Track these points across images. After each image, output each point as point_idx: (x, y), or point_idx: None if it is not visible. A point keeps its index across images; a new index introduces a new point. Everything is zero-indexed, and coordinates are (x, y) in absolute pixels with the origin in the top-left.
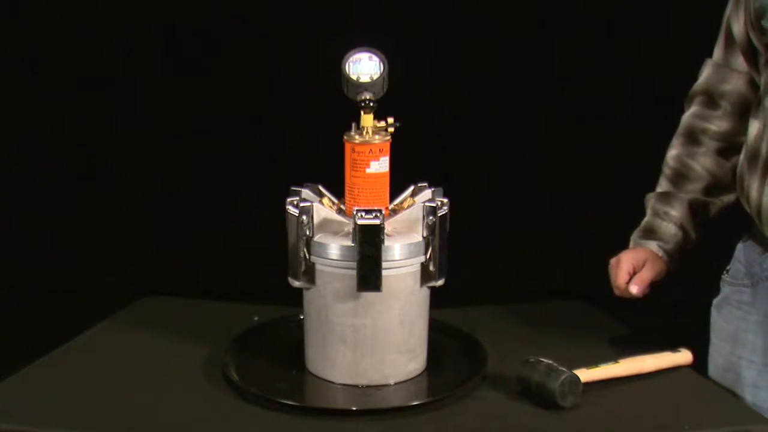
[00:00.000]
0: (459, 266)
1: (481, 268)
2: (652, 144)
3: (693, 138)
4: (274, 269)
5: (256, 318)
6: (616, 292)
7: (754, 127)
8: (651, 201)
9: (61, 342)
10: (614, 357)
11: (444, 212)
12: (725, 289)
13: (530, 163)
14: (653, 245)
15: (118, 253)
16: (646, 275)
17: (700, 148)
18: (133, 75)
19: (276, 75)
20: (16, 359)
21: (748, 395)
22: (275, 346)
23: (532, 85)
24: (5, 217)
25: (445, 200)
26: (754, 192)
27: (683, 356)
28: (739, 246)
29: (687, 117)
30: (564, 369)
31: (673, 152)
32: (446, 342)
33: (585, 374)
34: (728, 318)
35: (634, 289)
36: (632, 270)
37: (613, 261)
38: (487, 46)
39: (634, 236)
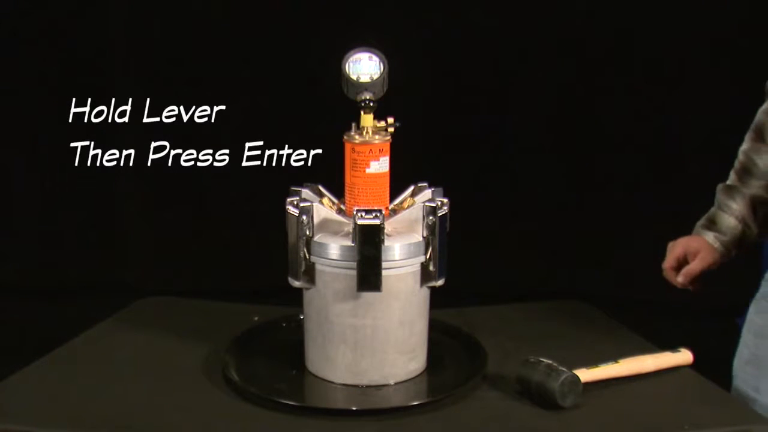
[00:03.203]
0: (459, 266)
1: (480, 268)
2: (653, 145)
3: (760, 134)
4: (274, 269)
5: (256, 318)
6: (664, 274)
7: None
8: (718, 192)
9: (62, 342)
10: (614, 357)
11: (444, 212)
12: (764, 287)
13: (530, 164)
14: (710, 236)
15: (118, 253)
16: (696, 267)
17: (766, 145)
18: (132, 73)
19: (276, 75)
20: (16, 359)
21: None
22: (275, 346)
23: (533, 85)
24: (5, 216)
25: (445, 200)
26: None
27: (683, 356)
28: None
29: (760, 112)
30: (564, 369)
31: (743, 146)
32: (446, 342)
33: (585, 374)
34: (761, 312)
35: (681, 279)
36: (682, 256)
37: (670, 245)
38: (487, 46)
39: (698, 224)
